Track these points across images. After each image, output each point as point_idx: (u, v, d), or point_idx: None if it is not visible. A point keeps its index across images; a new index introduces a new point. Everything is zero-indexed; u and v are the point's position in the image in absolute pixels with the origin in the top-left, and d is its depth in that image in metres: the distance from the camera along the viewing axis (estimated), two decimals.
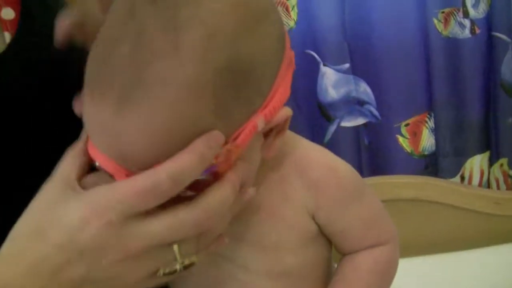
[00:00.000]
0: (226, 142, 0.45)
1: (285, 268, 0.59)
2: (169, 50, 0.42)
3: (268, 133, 0.51)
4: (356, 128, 1.48)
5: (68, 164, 0.48)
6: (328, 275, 0.63)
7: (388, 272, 0.62)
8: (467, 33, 1.39)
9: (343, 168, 0.60)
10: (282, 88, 0.49)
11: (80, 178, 0.47)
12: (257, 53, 0.46)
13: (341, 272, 0.61)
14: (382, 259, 0.60)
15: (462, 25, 1.38)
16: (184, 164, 0.43)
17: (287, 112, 0.50)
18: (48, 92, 0.59)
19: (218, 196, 0.45)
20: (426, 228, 1.15)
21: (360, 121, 1.49)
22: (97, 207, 0.43)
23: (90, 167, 0.48)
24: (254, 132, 0.47)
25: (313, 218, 0.58)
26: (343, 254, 0.62)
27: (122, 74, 0.43)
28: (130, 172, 0.44)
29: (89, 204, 0.43)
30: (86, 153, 0.48)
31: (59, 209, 0.44)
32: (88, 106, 0.45)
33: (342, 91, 1.44)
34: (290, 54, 0.51)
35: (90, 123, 0.46)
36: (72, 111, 0.48)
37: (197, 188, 0.45)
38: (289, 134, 0.56)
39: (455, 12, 1.38)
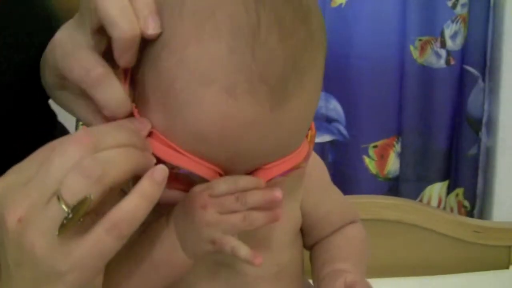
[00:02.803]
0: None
1: (278, 268, 0.57)
2: (308, 38, 0.43)
3: None
4: (321, 145, 1.48)
5: None
6: (302, 275, 0.63)
7: (367, 244, 0.65)
8: (442, 63, 1.41)
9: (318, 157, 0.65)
10: None
11: None
12: None
13: (335, 247, 0.62)
14: (363, 231, 0.65)
15: (438, 55, 1.41)
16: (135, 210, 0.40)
17: None
18: None
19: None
20: (406, 250, 1.16)
21: (326, 138, 1.49)
22: None
23: None
24: None
25: (300, 207, 0.59)
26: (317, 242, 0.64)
27: (278, 65, 0.41)
28: (225, 173, 0.46)
29: None
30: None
31: None
32: (221, 107, 0.41)
33: None
34: None
35: (225, 124, 0.42)
36: None
37: None
38: None
39: (432, 42, 1.40)
